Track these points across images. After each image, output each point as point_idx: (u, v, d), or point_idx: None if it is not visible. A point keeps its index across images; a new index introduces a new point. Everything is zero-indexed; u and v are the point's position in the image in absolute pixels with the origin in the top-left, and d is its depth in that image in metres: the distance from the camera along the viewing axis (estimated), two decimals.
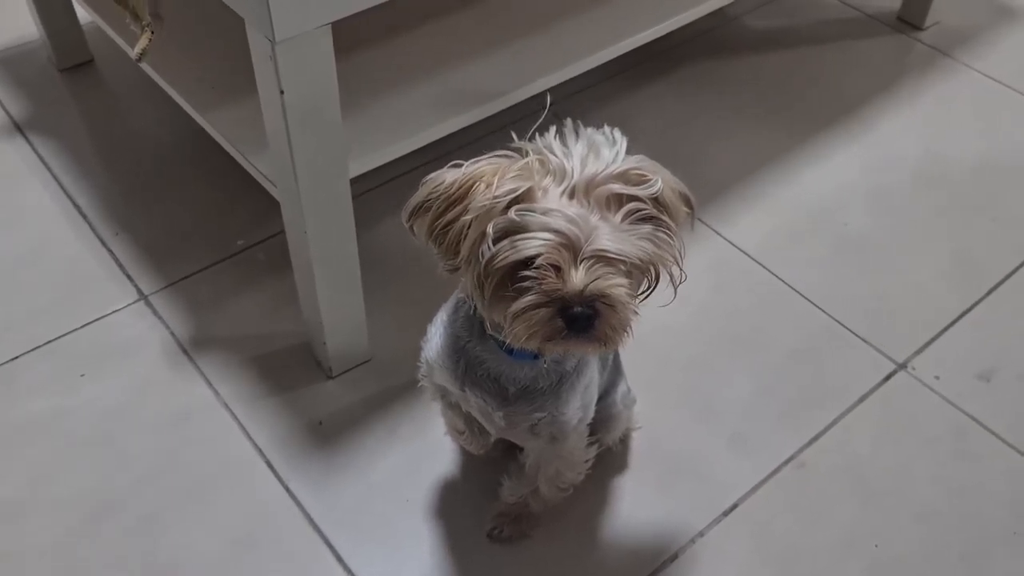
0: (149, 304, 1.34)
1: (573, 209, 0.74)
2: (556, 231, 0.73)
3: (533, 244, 0.73)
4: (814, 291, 1.39)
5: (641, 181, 0.77)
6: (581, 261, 0.73)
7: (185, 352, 1.28)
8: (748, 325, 1.35)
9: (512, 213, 0.74)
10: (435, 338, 0.94)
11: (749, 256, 1.44)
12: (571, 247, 0.74)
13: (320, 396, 1.23)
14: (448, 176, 0.77)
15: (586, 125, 0.79)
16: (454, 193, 0.77)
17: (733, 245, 1.46)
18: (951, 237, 1.49)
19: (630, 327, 0.77)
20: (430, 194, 0.78)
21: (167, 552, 1.08)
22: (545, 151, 0.77)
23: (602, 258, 0.74)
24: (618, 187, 0.75)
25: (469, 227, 0.75)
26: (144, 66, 1.25)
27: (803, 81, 1.77)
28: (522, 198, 0.75)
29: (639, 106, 1.69)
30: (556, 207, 0.74)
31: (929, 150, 1.63)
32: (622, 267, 0.75)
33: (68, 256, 1.40)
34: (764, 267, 1.43)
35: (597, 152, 0.77)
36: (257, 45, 0.92)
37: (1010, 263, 1.45)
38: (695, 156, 1.60)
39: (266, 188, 1.13)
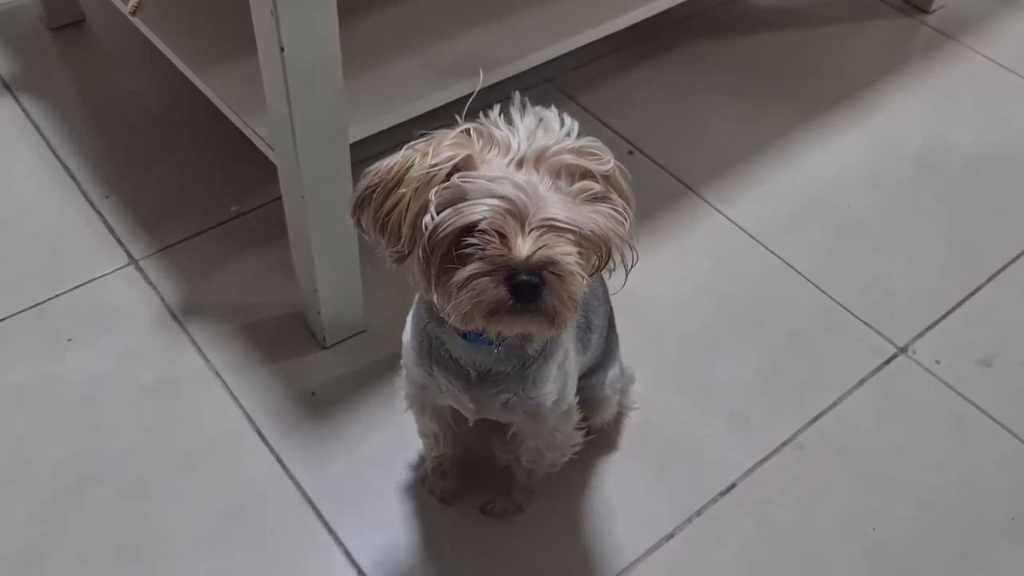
0: (139, 269, 1.31)
1: (521, 176, 0.72)
2: (502, 197, 0.70)
3: (478, 209, 0.70)
4: (815, 272, 1.38)
5: (594, 157, 0.74)
6: (530, 231, 0.70)
7: (176, 319, 1.25)
8: (748, 305, 1.33)
9: (456, 179, 0.72)
10: (408, 323, 0.92)
11: (751, 236, 1.42)
12: (518, 215, 0.70)
13: (313, 366, 1.21)
14: (386, 161, 0.75)
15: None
16: (393, 176, 0.74)
17: (735, 224, 1.44)
18: (954, 222, 1.47)
19: (579, 303, 0.74)
20: (370, 183, 0.75)
21: (154, 522, 1.06)
22: (487, 124, 0.74)
23: (551, 228, 0.71)
24: (570, 158, 0.73)
25: (409, 203, 0.73)
26: (138, 23, 1.22)
27: (807, 62, 1.75)
28: (463, 167, 0.72)
29: (640, 83, 1.67)
30: (503, 175, 0.71)
31: (933, 134, 1.62)
32: (571, 238, 0.72)
33: (56, 219, 1.37)
34: (766, 247, 1.41)
35: (547, 127, 0.74)
36: (258, 0, 0.89)
37: (1013, 248, 1.43)
38: (696, 134, 1.58)
39: (263, 152, 1.11)
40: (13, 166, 1.45)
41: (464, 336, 0.84)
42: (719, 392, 1.22)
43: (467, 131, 0.75)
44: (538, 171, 0.72)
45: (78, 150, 1.47)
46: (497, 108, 0.76)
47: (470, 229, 0.71)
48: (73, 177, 1.43)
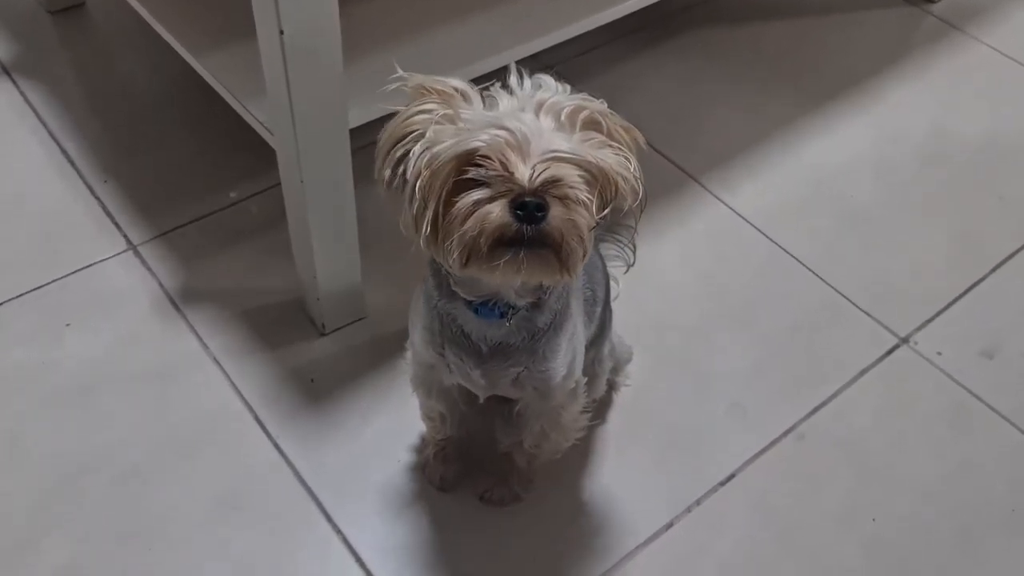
0: (138, 254, 1.31)
1: (524, 115, 0.72)
2: (505, 128, 0.70)
3: (480, 137, 0.70)
4: (817, 262, 1.37)
5: (590, 102, 0.75)
6: (533, 162, 0.70)
7: (174, 304, 1.25)
8: (749, 295, 1.33)
9: (459, 112, 0.72)
10: (417, 303, 0.91)
11: (752, 225, 1.42)
12: (519, 148, 0.70)
13: (312, 353, 1.21)
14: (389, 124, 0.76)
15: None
16: (400, 125, 0.75)
17: (736, 213, 1.43)
18: (957, 212, 1.47)
19: (587, 241, 0.73)
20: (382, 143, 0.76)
21: (152, 507, 1.06)
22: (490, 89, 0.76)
23: (555, 159, 0.71)
24: (566, 100, 0.73)
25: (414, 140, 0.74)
26: (137, 7, 1.21)
27: (811, 50, 1.73)
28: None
29: (642, 71, 1.66)
30: (508, 114, 0.72)
31: (937, 124, 1.61)
32: (579, 171, 0.72)
33: (55, 203, 1.36)
34: (767, 236, 1.40)
35: (545, 85, 0.75)
36: None
37: (1016, 240, 1.43)
38: (699, 122, 1.57)
39: (262, 136, 1.10)
40: (11, 150, 1.44)
41: (475, 310, 0.84)
42: (719, 381, 1.22)
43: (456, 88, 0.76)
44: (539, 116, 0.72)
45: (77, 134, 1.46)
46: (498, 84, 0.77)
47: (471, 160, 0.70)
48: (72, 162, 1.42)
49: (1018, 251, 1.41)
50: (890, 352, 1.27)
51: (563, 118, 0.73)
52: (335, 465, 1.10)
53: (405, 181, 0.75)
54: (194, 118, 1.50)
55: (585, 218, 0.72)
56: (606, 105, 0.76)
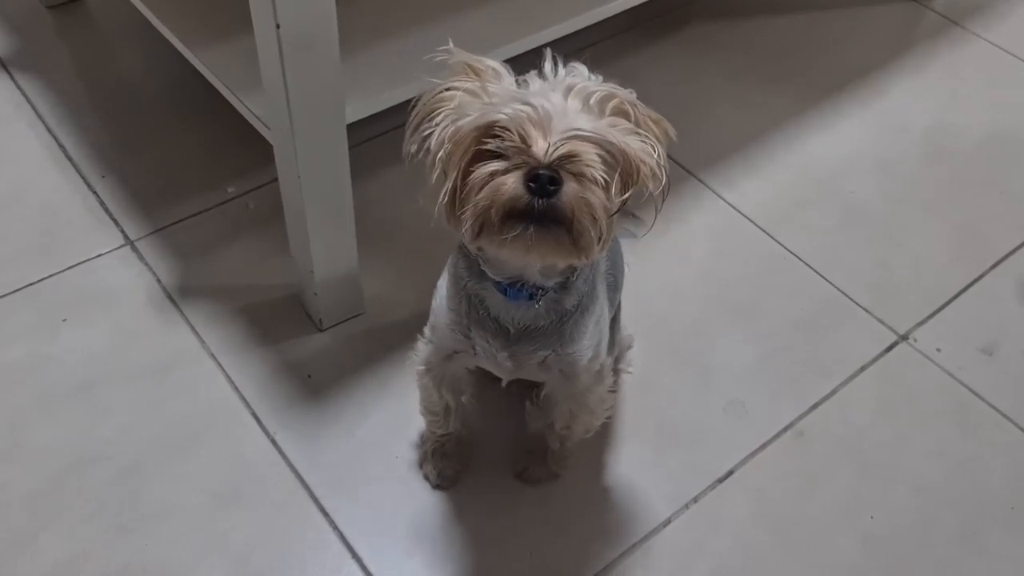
0: (135, 249, 1.30)
1: (553, 96, 0.72)
2: (528, 103, 0.71)
3: (502, 109, 0.71)
4: (817, 259, 1.36)
5: (622, 93, 0.75)
6: (554, 139, 0.71)
7: (171, 300, 1.25)
8: (749, 291, 1.32)
9: (485, 86, 0.73)
10: (442, 287, 0.92)
11: (752, 221, 1.41)
12: (542, 124, 0.71)
13: (310, 348, 1.20)
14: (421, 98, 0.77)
15: None
16: (431, 100, 0.76)
17: (736, 210, 1.42)
18: (957, 209, 1.46)
19: (602, 220, 0.72)
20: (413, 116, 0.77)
21: (148, 504, 1.05)
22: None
23: (576, 137, 0.71)
24: (596, 87, 0.74)
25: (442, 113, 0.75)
26: (135, 2, 1.20)
27: (812, 46, 1.73)
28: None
29: (643, 65, 1.65)
30: (536, 92, 0.73)
31: (938, 120, 1.60)
32: (599, 151, 0.72)
33: (52, 198, 1.36)
34: (767, 233, 1.40)
35: (577, 72, 0.76)
36: None
37: (1017, 236, 1.42)
38: (699, 117, 1.56)
39: (259, 131, 1.09)
40: (9, 145, 1.43)
41: (504, 292, 0.84)
42: (719, 378, 1.22)
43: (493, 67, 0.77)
44: (567, 99, 0.73)
45: (75, 129, 1.46)
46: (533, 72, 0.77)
47: (492, 132, 0.71)
48: (69, 157, 1.42)
49: (1019, 247, 1.41)
50: (889, 349, 1.27)
51: (592, 102, 0.73)
52: (332, 460, 1.10)
53: (428, 152, 0.76)
54: (192, 113, 1.49)
55: (600, 198, 0.71)
56: (635, 96, 0.77)
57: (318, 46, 0.92)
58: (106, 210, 1.35)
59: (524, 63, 0.79)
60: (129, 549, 1.02)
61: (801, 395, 1.21)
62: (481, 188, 0.71)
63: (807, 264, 1.36)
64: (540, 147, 0.70)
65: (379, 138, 1.44)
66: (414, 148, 0.77)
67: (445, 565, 1.03)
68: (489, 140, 0.71)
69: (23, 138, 1.44)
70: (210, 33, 1.17)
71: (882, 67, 1.69)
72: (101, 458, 1.09)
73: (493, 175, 0.71)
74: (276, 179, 1.12)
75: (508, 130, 0.70)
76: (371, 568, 1.02)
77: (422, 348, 0.99)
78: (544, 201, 0.70)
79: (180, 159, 1.43)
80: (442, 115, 0.75)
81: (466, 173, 0.73)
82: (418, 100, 0.77)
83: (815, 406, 1.20)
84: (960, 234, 1.42)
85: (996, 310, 1.32)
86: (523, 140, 0.70)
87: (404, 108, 1.15)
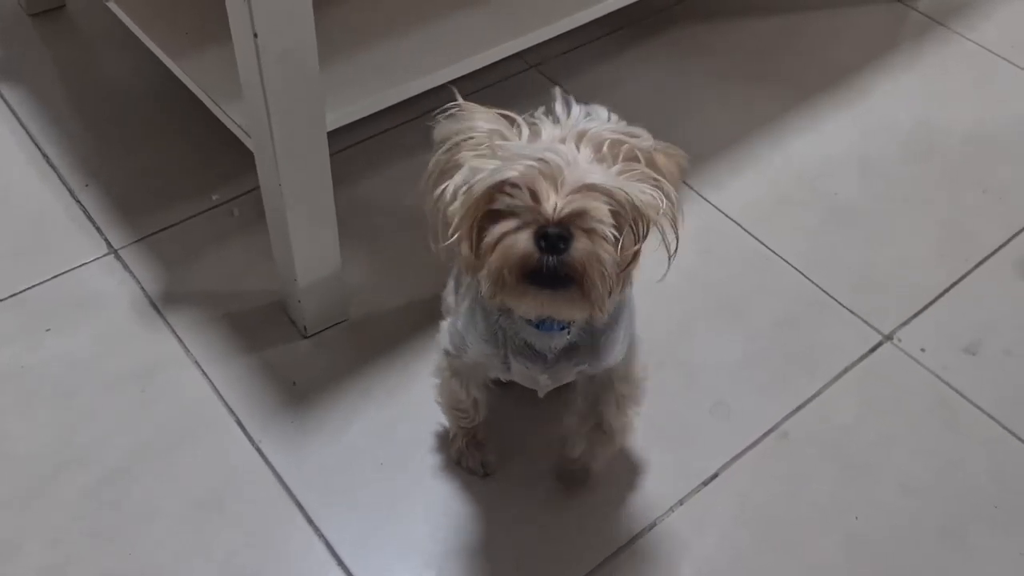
0: (119, 258, 1.30)
1: (561, 146, 0.73)
2: (538, 159, 0.71)
3: (514, 166, 0.71)
4: (801, 260, 1.37)
5: (634, 137, 0.75)
6: (564, 193, 0.71)
7: (155, 307, 1.24)
8: (733, 292, 1.33)
9: (495, 142, 0.74)
10: (468, 313, 0.91)
11: (736, 222, 1.41)
12: (552, 178, 0.71)
13: (294, 355, 1.20)
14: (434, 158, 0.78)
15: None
16: (443, 160, 0.78)
17: (720, 211, 1.43)
18: (941, 209, 1.47)
19: (611, 277, 0.73)
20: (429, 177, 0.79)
21: (132, 511, 1.05)
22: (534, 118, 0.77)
23: (586, 190, 0.71)
24: (609, 133, 0.74)
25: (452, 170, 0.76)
26: (114, 9, 1.20)
27: (795, 48, 1.73)
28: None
29: (627, 68, 1.65)
30: (542, 144, 0.73)
31: (921, 120, 1.61)
32: (606, 200, 0.72)
33: (35, 207, 1.36)
34: (751, 234, 1.40)
35: (595, 115, 0.76)
36: None
37: (999, 236, 1.43)
38: (683, 119, 1.56)
39: (241, 139, 1.09)
40: None
41: (536, 326, 0.85)
42: (703, 380, 1.22)
43: (505, 116, 0.77)
44: (579, 147, 0.73)
45: (57, 138, 1.46)
46: (542, 109, 0.78)
47: (503, 190, 0.72)
48: (52, 165, 1.42)
49: (1002, 246, 1.41)
50: (874, 349, 1.27)
51: (604, 149, 0.74)
52: (316, 466, 1.10)
53: (444, 211, 0.77)
54: (176, 121, 1.49)
55: (610, 252, 0.72)
56: (649, 135, 0.77)
57: (296, 54, 0.92)
58: (89, 218, 1.35)
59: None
60: (112, 556, 1.02)
61: (786, 396, 1.21)
62: (494, 248, 0.72)
63: (791, 265, 1.36)
64: (551, 203, 0.70)
65: (361, 144, 1.44)
66: (432, 204, 0.79)
67: (430, 571, 1.03)
68: (500, 197, 0.72)
69: (5, 146, 1.44)
70: (191, 42, 1.17)
71: (866, 67, 1.70)
72: (84, 465, 1.09)
73: (505, 235, 0.72)
74: (260, 186, 1.12)
75: (518, 187, 0.71)
76: (356, 574, 1.02)
77: (445, 361, 0.99)
78: (555, 258, 0.71)
79: (164, 166, 1.43)
80: (454, 176, 0.76)
81: (481, 233, 0.74)
82: (433, 157, 0.79)
83: (800, 407, 1.20)
84: (944, 233, 1.43)
85: (980, 309, 1.33)
86: (533, 196, 0.71)
87: (384, 115, 1.17)
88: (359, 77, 1.13)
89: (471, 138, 0.76)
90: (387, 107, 1.14)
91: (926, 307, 1.33)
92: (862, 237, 1.41)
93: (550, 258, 0.71)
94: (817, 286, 1.34)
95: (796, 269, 1.36)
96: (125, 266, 1.29)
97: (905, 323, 1.30)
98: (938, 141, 1.57)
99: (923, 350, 1.27)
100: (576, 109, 0.77)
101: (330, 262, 1.16)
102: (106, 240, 1.32)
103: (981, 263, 1.39)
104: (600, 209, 0.71)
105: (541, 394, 0.99)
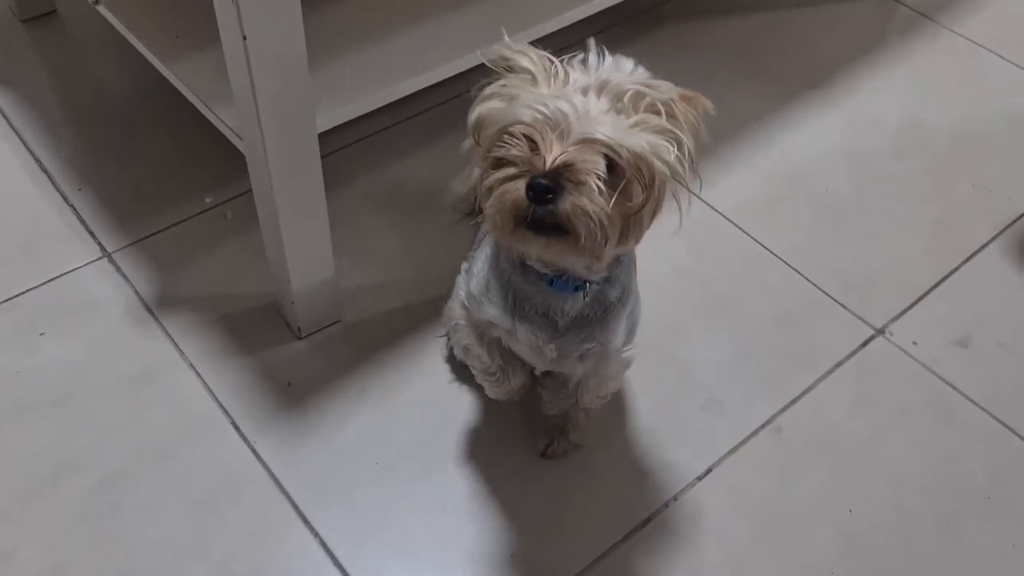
0: (112, 262, 1.30)
1: (578, 98, 0.74)
2: (546, 107, 0.73)
3: (523, 112, 0.73)
4: (793, 256, 1.37)
5: (654, 88, 0.77)
6: (567, 145, 0.73)
7: (149, 311, 1.25)
8: (726, 289, 1.33)
9: (516, 88, 0.76)
10: (480, 273, 0.94)
11: (728, 219, 1.42)
12: (558, 129, 0.73)
13: (289, 357, 1.21)
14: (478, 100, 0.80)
15: None
16: (484, 102, 0.80)
17: (712, 208, 1.43)
18: (931, 203, 1.47)
19: (603, 226, 0.74)
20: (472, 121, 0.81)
21: (129, 514, 1.06)
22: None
23: (588, 142, 0.73)
24: (632, 84, 0.76)
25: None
26: (105, 13, 1.21)
27: (783, 44, 1.74)
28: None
29: None
30: (561, 94, 0.75)
31: (910, 115, 1.62)
32: (604, 152, 0.73)
33: (28, 212, 1.36)
34: (743, 230, 1.41)
35: (620, 66, 0.79)
36: None
37: (990, 228, 1.43)
38: None
39: (233, 142, 1.09)
40: None
41: (551, 283, 0.87)
42: (696, 376, 1.22)
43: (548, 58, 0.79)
44: (599, 97, 0.75)
45: (50, 142, 1.46)
46: (580, 55, 0.80)
47: (505, 138, 0.75)
48: (45, 170, 1.42)
49: (992, 239, 1.42)
50: (866, 344, 1.28)
51: (625, 100, 0.76)
52: (312, 468, 1.10)
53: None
54: (168, 124, 1.49)
55: (598, 203, 0.73)
56: (671, 85, 0.79)
57: (286, 57, 0.93)
58: (83, 223, 1.35)
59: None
60: (110, 559, 1.02)
61: (779, 391, 1.21)
62: (493, 192, 0.75)
63: (783, 261, 1.37)
64: (546, 155, 0.73)
65: (353, 146, 1.45)
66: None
67: (426, 570, 1.03)
68: (502, 146, 0.74)
69: None
70: (182, 45, 1.17)
71: (854, 63, 1.70)
72: (80, 469, 1.09)
73: (505, 181, 0.74)
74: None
75: (516, 137, 0.73)
76: (352, 574, 1.02)
77: (462, 331, 1.00)
78: (542, 208, 0.73)
79: (157, 170, 1.43)
80: (474, 116, 0.79)
81: (488, 175, 0.77)
82: (477, 100, 0.80)
83: (793, 402, 1.20)
84: (934, 228, 1.43)
85: (971, 302, 1.34)
86: (532, 146, 0.73)
87: (376, 115, 1.17)
88: (350, 78, 1.13)
89: (507, 77, 0.78)
90: (379, 108, 1.15)
91: (918, 301, 1.33)
92: (853, 233, 1.42)
93: (539, 208, 0.73)
94: (809, 282, 1.34)
95: (788, 265, 1.36)
96: (119, 270, 1.29)
97: (897, 317, 1.31)
98: (927, 136, 1.58)
99: (915, 344, 1.28)
100: (608, 59, 0.79)
101: (323, 264, 1.16)
102: (100, 244, 1.32)
103: (971, 256, 1.39)
104: (591, 162, 0.73)
105: (539, 371, 1.01)
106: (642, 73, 0.79)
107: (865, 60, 1.71)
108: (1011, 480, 1.14)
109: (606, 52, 0.79)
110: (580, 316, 0.90)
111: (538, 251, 0.79)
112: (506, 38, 0.81)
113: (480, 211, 0.79)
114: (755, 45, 1.73)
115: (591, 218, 0.74)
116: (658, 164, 0.76)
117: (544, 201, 0.73)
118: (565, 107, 0.73)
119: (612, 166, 0.74)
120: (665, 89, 0.78)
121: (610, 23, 1.71)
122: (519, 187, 0.73)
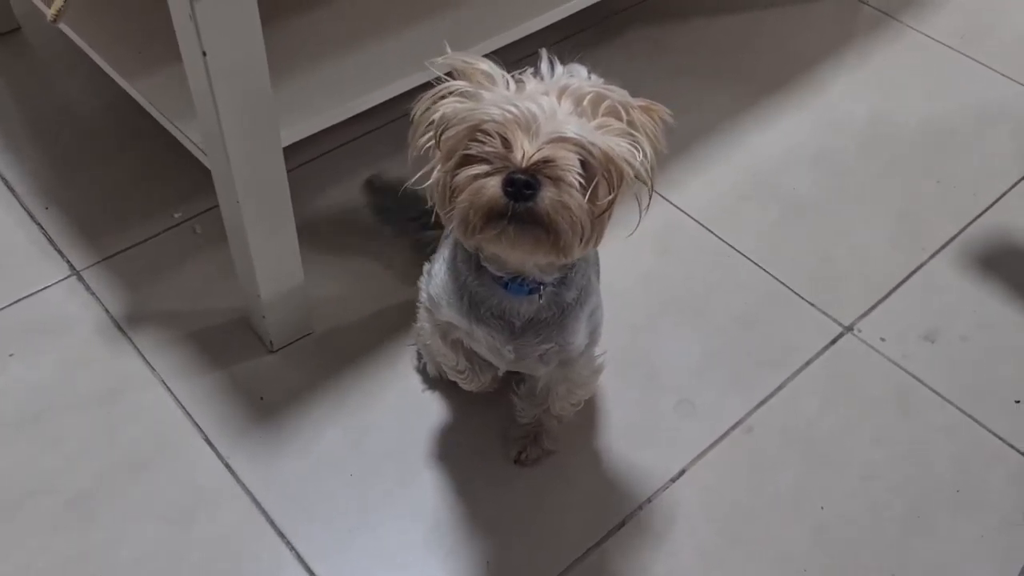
0: (82, 280, 1.30)
1: (543, 98, 0.75)
2: (516, 107, 0.73)
3: (491, 111, 0.74)
4: (761, 255, 1.39)
5: (612, 92, 0.78)
6: (537, 143, 0.73)
7: (120, 328, 1.24)
8: (695, 289, 1.34)
9: (479, 89, 0.77)
10: (439, 275, 0.94)
11: (696, 220, 1.43)
12: (527, 127, 0.74)
13: (261, 370, 1.20)
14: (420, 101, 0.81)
15: None
16: (428, 103, 0.81)
17: (679, 209, 1.44)
18: (897, 199, 1.49)
19: (580, 225, 0.75)
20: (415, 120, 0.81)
21: (100, 532, 1.05)
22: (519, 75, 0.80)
23: (559, 140, 0.74)
24: (590, 88, 0.76)
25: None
26: (67, 31, 1.20)
27: (749, 45, 1.75)
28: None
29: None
30: (526, 95, 0.76)
31: (875, 113, 1.63)
32: (577, 150, 0.74)
33: None
34: (710, 231, 1.42)
35: (575, 73, 0.79)
36: (176, 4, 0.88)
37: (954, 224, 1.45)
38: None
39: (197, 157, 1.09)
40: None
41: (505, 286, 0.87)
42: (666, 378, 1.23)
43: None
44: (560, 101, 0.76)
45: (15, 160, 1.45)
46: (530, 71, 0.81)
47: (476, 136, 0.75)
48: (11, 188, 1.41)
49: (957, 234, 1.44)
50: (835, 341, 1.29)
51: (585, 103, 0.76)
52: (287, 480, 1.10)
53: (429, 150, 0.80)
54: (135, 140, 1.48)
55: (577, 200, 0.74)
56: (627, 92, 0.80)
57: (247, 71, 0.93)
58: (50, 241, 1.34)
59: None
60: None
61: (749, 391, 1.22)
62: (463, 191, 0.75)
63: (750, 260, 1.38)
64: (522, 151, 0.73)
65: (318, 160, 1.45)
66: (419, 144, 0.81)
67: None
68: (473, 144, 0.75)
69: None
70: (144, 61, 1.17)
71: (820, 63, 1.72)
72: (51, 488, 1.08)
73: (476, 179, 0.74)
74: None
75: (489, 135, 0.74)
76: None
77: (426, 332, 1.01)
78: (521, 205, 0.74)
79: (124, 186, 1.42)
80: (438, 115, 0.79)
81: (454, 174, 0.76)
82: (418, 100, 0.81)
83: (763, 401, 1.22)
84: (900, 224, 1.45)
85: (937, 297, 1.35)
86: (505, 144, 0.74)
87: (341, 128, 1.17)
88: (312, 92, 1.13)
89: (453, 88, 0.79)
90: (344, 120, 1.15)
91: (885, 297, 1.35)
92: (820, 230, 1.43)
93: (517, 204, 0.74)
94: (777, 280, 1.36)
95: (756, 264, 1.38)
96: (88, 288, 1.29)
97: (865, 314, 1.32)
98: (892, 133, 1.60)
99: (883, 340, 1.29)
100: (560, 68, 0.79)
101: (293, 276, 1.16)
102: (68, 262, 1.32)
103: (937, 252, 1.41)
104: (568, 158, 0.74)
105: (501, 371, 1.02)
106: (596, 80, 0.80)
107: (831, 60, 1.73)
108: (979, 472, 1.16)
109: (557, 61, 0.80)
110: (536, 318, 0.90)
111: (506, 249, 0.80)
112: (449, 50, 0.81)
113: (435, 214, 0.80)
114: (722, 46, 1.74)
115: (572, 213, 0.75)
116: (625, 166, 0.77)
117: (523, 197, 0.73)
118: (533, 107, 0.74)
119: (583, 165, 0.75)
120: (623, 95, 0.79)
121: (579, 27, 1.72)
122: (494, 183, 0.74)
